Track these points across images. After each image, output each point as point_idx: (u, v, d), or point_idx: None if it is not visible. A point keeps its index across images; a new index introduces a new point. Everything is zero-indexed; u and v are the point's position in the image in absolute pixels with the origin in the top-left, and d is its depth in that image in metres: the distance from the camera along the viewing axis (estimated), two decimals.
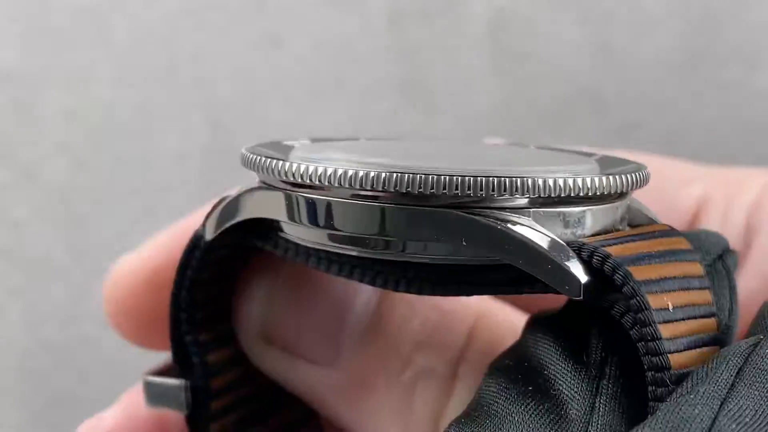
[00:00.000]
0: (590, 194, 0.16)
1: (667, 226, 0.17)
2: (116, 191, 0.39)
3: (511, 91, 0.38)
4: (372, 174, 0.16)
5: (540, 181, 0.15)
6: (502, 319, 0.20)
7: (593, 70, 0.37)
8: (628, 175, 0.16)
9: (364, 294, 0.19)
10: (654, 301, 0.15)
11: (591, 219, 0.16)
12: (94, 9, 0.39)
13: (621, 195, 0.16)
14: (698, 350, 0.15)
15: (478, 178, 0.15)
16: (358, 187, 0.16)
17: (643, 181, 0.17)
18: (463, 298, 0.19)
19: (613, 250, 0.15)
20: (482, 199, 0.15)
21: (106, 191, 0.40)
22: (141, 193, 0.39)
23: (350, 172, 0.16)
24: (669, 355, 0.14)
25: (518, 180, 0.15)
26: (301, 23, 0.38)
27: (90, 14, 0.39)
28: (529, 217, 0.16)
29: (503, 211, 0.15)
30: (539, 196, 0.15)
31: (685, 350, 0.15)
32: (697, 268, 0.16)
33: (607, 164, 0.17)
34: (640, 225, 0.17)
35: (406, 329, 0.19)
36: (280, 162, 0.17)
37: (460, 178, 0.15)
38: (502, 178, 0.15)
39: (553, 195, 0.15)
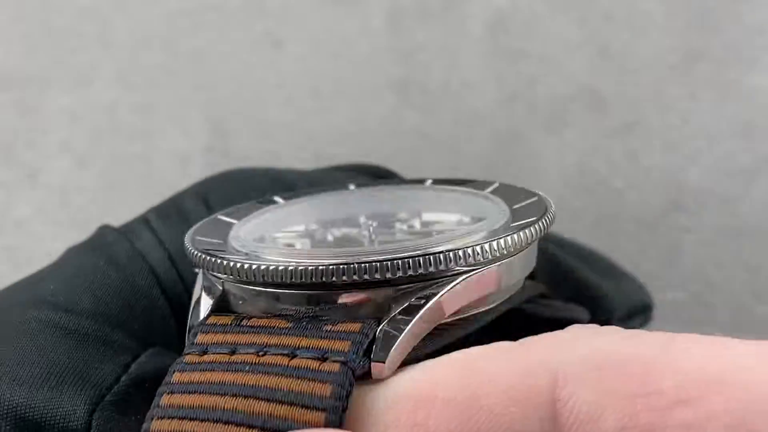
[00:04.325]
0: (512, 251, 0.18)
1: None
2: (117, 191, 0.40)
3: (511, 91, 0.38)
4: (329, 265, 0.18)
5: (477, 248, 0.18)
6: None
7: (592, 70, 0.37)
8: (538, 225, 0.19)
9: None
10: None
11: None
12: (95, 9, 0.39)
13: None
14: None
15: (426, 256, 0.18)
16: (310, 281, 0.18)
17: (550, 224, 0.19)
18: None
19: None
20: (434, 273, 0.18)
21: (107, 191, 0.40)
22: (142, 193, 0.39)
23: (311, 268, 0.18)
24: None
25: (458, 251, 0.18)
26: (301, 23, 0.38)
27: (91, 15, 0.39)
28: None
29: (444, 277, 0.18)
30: (472, 263, 0.18)
31: None
32: None
33: (511, 199, 0.20)
34: None
35: None
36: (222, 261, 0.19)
37: (411, 259, 0.17)
38: (447, 252, 0.18)
39: (489, 257, 0.18)
